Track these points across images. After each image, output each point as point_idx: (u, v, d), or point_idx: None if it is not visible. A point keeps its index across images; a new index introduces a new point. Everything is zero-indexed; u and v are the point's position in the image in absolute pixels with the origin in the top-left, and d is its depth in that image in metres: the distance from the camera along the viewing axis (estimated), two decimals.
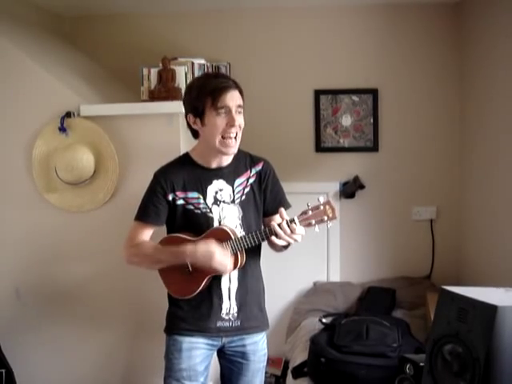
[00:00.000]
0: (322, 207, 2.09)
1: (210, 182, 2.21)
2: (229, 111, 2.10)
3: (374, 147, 3.66)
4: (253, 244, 2.12)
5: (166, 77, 2.83)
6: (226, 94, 2.08)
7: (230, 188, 2.22)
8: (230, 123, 2.10)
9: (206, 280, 2.16)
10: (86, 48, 3.61)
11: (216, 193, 2.21)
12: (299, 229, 2.08)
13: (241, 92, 2.16)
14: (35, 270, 2.84)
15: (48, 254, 2.83)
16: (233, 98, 2.10)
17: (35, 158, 2.75)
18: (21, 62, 2.76)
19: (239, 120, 2.13)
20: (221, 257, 2.08)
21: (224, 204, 2.21)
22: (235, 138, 2.13)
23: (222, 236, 2.14)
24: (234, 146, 2.15)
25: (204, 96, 2.09)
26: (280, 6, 3.60)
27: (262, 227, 2.20)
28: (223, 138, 2.11)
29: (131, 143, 2.75)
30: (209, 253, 2.07)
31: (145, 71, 2.87)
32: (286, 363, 3.41)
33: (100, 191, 2.74)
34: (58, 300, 2.84)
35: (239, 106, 2.13)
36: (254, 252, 2.25)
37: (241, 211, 2.22)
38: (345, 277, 3.73)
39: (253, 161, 2.29)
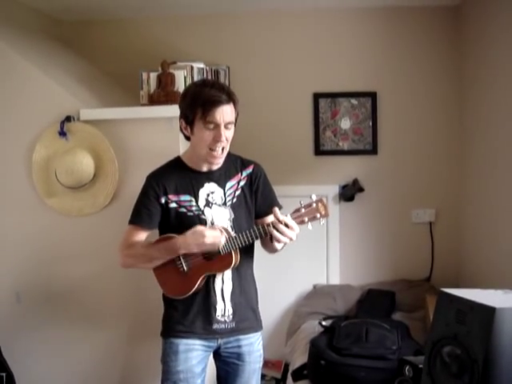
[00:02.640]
0: (314, 205, 2.12)
1: (202, 185, 2.23)
2: (217, 126, 2.11)
3: (373, 150, 3.67)
4: (246, 242, 2.14)
5: (166, 81, 2.84)
6: (216, 109, 2.09)
7: (222, 191, 2.25)
8: (216, 138, 2.12)
9: (200, 279, 2.17)
10: (85, 52, 3.62)
11: (208, 195, 2.23)
12: (292, 225, 2.09)
13: (235, 104, 2.15)
14: (35, 273, 2.84)
15: (48, 257, 2.83)
16: (223, 114, 2.10)
17: (35, 162, 2.76)
18: (20, 67, 2.77)
19: (227, 135, 2.14)
20: (210, 232, 2.11)
21: (216, 206, 2.23)
22: (221, 150, 2.16)
23: None
24: (219, 157, 2.18)
25: (195, 106, 2.11)
26: (279, 10, 3.62)
27: (255, 226, 2.21)
28: (209, 149, 2.14)
29: (131, 147, 2.75)
30: (197, 233, 2.10)
31: (144, 75, 2.88)
32: (286, 366, 3.41)
33: (100, 195, 2.75)
34: (58, 304, 2.84)
35: (229, 123, 2.13)
36: (247, 253, 2.27)
37: (232, 213, 2.24)
38: (344, 279, 3.73)
39: (243, 164, 2.31)
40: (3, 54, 2.76)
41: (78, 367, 2.86)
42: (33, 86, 2.76)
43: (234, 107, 2.16)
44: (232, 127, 2.17)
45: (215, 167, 2.24)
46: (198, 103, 2.10)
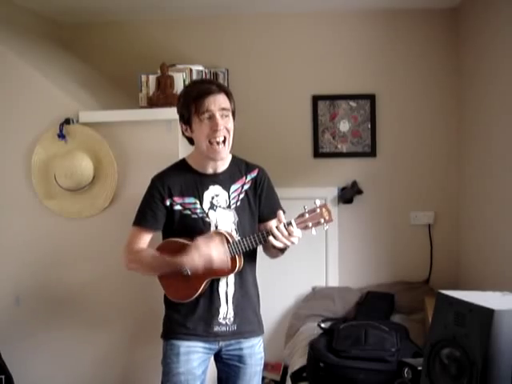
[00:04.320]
0: (318, 210, 2.12)
1: (207, 188, 2.23)
2: (212, 116, 2.12)
3: (372, 152, 3.67)
4: (250, 247, 2.14)
5: (165, 83, 2.84)
6: (207, 99, 2.11)
7: (226, 194, 2.25)
8: (214, 127, 2.12)
9: (204, 284, 2.17)
10: (84, 55, 3.62)
11: (212, 198, 2.23)
12: (296, 231, 2.10)
13: (228, 95, 2.18)
14: (35, 276, 2.84)
15: (47, 260, 2.83)
16: (215, 102, 2.12)
17: (34, 164, 2.76)
18: (20, 69, 2.77)
19: (224, 123, 2.14)
20: (219, 256, 2.09)
21: (220, 209, 2.23)
22: (223, 142, 2.15)
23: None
24: (221, 152, 2.16)
25: (188, 103, 2.14)
26: (278, 13, 3.62)
27: (260, 231, 2.21)
28: (210, 143, 2.14)
29: (130, 149, 2.76)
30: (206, 256, 2.08)
31: (143, 78, 2.88)
32: (285, 368, 3.41)
33: (99, 197, 2.75)
34: (58, 306, 2.84)
35: (224, 109, 2.14)
36: (250, 258, 2.27)
37: (236, 216, 2.24)
38: (343, 282, 3.73)
39: (248, 168, 2.32)
40: (2, 56, 2.76)
41: (78, 370, 2.86)
42: (32, 89, 2.76)
43: (228, 98, 2.17)
44: (229, 116, 2.17)
45: (221, 167, 2.24)
46: (190, 99, 2.13)
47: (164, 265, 2.17)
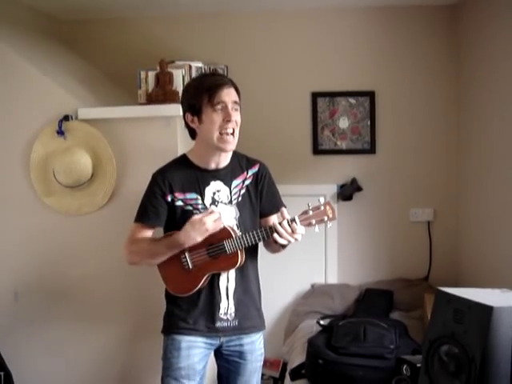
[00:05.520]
0: (322, 207, 2.13)
1: (208, 183, 2.23)
2: (225, 107, 2.13)
3: (372, 149, 3.67)
4: (253, 242, 2.14)
5: (164, 80, 2.84)
6: (221, 91, 2.13)
7: (228, 189, 2.25)
8: (227, 118, 2.13)
9: (204, 278, 2.18)
10: (83, 51, 3.61)
11: (214, 194, 2.23)
12: (300, 228, 2.11)
13: (237, 90, 2.20)
14: (33, 272, 2.84)
15: (46, 256, 2.83)
16: (229, 94, 2.14)
17: (33, 161, 2.76)
18: (18, 66, 2.77)
19: (235, 116, 2.16)
20: (209, 217, 2.10)
21: (221, 205, 2.23)
22: (232, 134, 2.16)
23: (223, 234, 2.15)
24: (231, 143, 2.18)
25: (200, 93, 2.14)
26: (277, 9, 3.62)
27: (263, 226, 2.22)
28: (220, 134, 2.14)
29: (129, 146, 2.75)
30: (196, 222, 2.10)
31: (142, 74, 2.88)
32: (284, 365, 3.41)
33: (98, 194, 2.75)
34: (57, 302, 2.84)
35: (235, 103, 2.17)
36: (252, 253, 2.27)
37: (237, 212, 2.24)
38: (342, 279, 3.73)
39: (249, 163, 2.33)
40: (1, 53, 2.76)
41: (78, 366, 2.87)
42: (31, 85, 2.76)
43: (237, 93, 2.20)
44: (239, 110, 2.20)
45: (223, 163, 2.24)
46: (203, 89, 2.14)
47: (162, 246, 2.18)
